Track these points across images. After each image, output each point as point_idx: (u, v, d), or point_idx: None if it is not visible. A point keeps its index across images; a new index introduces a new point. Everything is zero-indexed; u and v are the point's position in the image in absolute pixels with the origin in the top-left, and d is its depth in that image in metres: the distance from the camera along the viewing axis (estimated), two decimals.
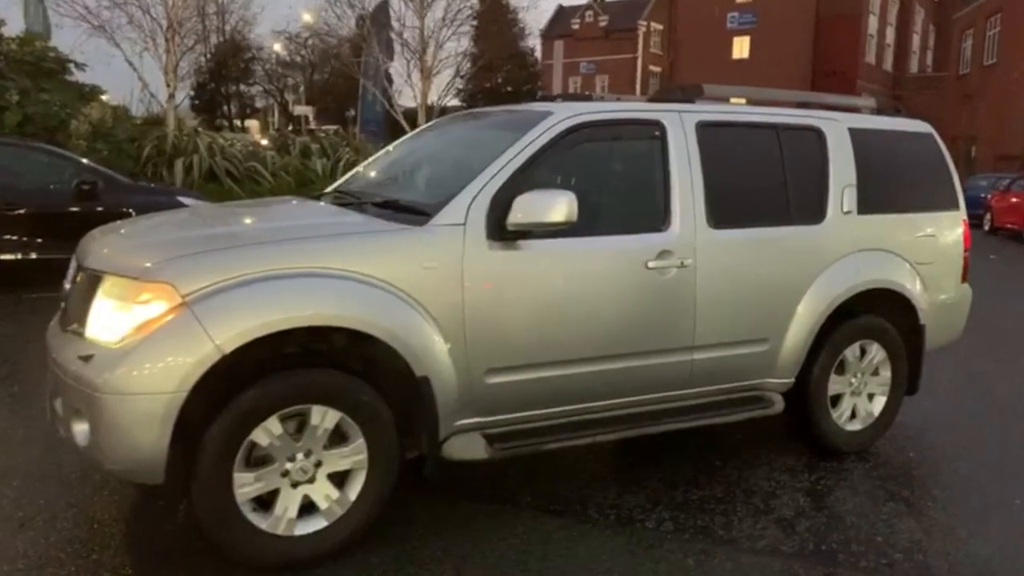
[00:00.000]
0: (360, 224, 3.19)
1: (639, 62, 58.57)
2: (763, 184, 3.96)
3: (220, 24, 35.35)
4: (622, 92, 42.25)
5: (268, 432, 2.85)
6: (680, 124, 3.72)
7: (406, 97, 18.29)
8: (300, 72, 40.81)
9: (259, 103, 43.60)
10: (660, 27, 59.65)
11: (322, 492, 2.99)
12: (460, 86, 20.92)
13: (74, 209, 7.95)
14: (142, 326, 2.70)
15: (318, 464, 2.97)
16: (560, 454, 3.83)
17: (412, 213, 3.26)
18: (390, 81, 18.58)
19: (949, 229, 4.55)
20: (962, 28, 37.77)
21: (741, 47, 44.41)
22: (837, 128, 4.20)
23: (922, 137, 4.59)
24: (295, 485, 2.94)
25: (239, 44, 38.07)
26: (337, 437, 2.99)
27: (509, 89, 31.32)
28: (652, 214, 3.62)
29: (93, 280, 2.90)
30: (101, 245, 3.18)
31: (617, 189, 3.64)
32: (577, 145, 3.48)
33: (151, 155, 11.48)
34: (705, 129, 3.78)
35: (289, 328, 2.80)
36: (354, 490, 3.03)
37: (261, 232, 3.16)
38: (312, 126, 36.85)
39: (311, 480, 2.97)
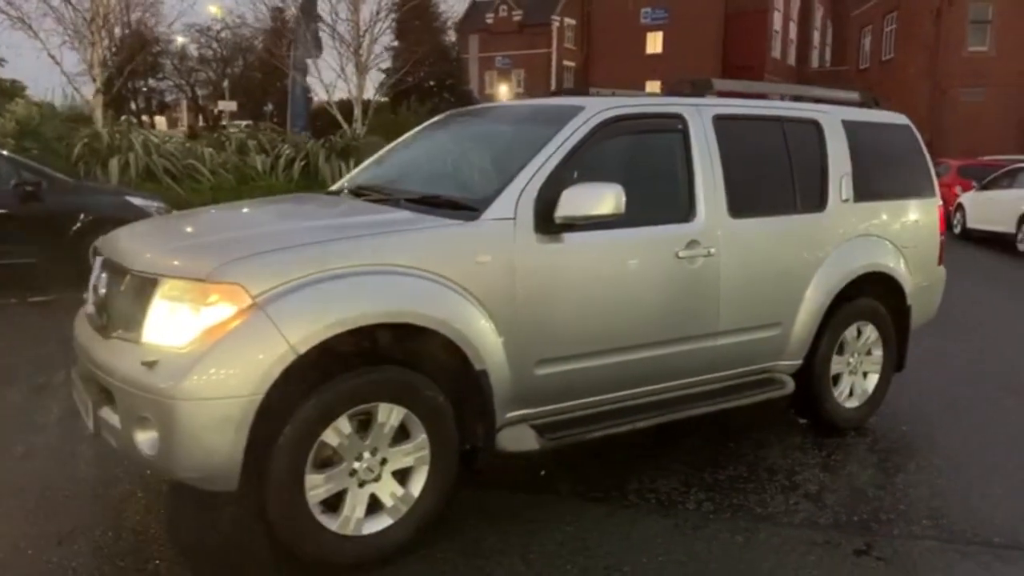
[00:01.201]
0: (413, 220, 3.17)
1: (553, 57, 59.14)
2: (773, 174, 4.13)
3: (126, 17, 33.81)
4: (535, 87, 42.49)
5: (338, 432, 2.82)
6: (699, 117, 3.84)
7: (337, 92, 17.92)
8: (213, 66, 39.44)
9: (168, 98, 42.01)
10: (573, 22, 60.34)
11: (388, 490, 2.97)
12: (382, 80, 20.59)
13: (17, 211, 7.52)
14: (213, 329, 2.62)
15: (383, 462, 2.96)
16: (584, 442, 3.90)
17: (456, 208, 3.27)
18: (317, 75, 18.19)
19: (928, 215, 4.85)
20: (861, 25, 39.68)
21: (655, 42, 45.39)
22: (832, 120, 4.42)
23: (901, 128, 4.86)
24: (362, 484, 2.92)
25: (146, 37, 36.53)
26: (400, 434, 2.98)
27: (431, 84, 31.00)
28: (679, 205, 3.73)
29: (145, 284, 2.80)
30: (143, 247, 3.06)
31: (647, 181, 3.72)
32: (610, 139, 3.55)
33: (82, 153, 10.94)
34: (720, 122, 3.91)
35: (359, 326, 2.78)
36: (417, 486, 3.02)
37: (315, 230, 3.10)
38: (224, 122, 35.71)
39: (377, 479, 2.95)
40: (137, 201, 8.60)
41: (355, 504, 2.91)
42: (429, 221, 3.16)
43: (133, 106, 37.18)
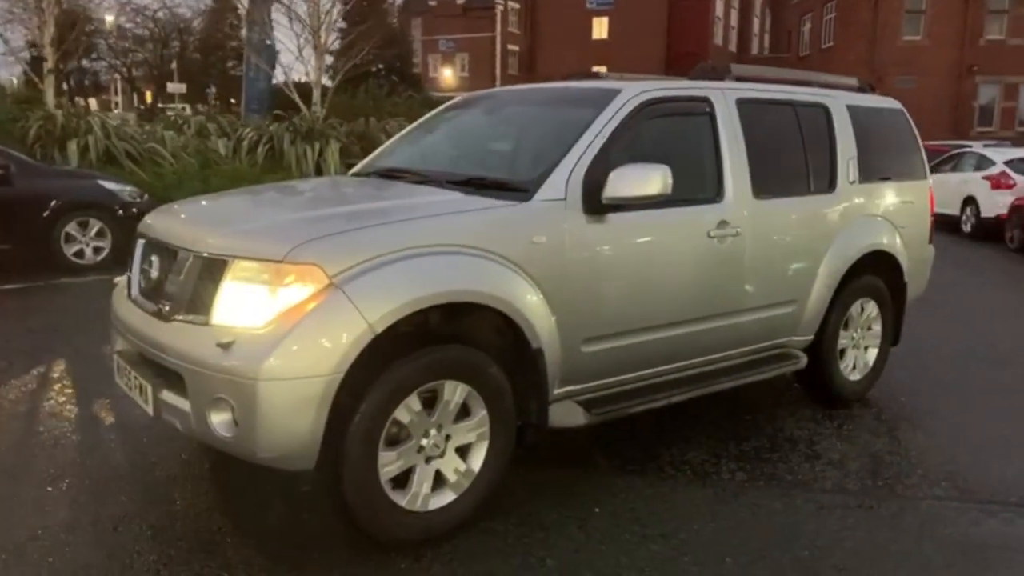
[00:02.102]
0: (468, 201, 3.21)
1: (498, 40, 58.95)
2: (789, 157, 4.28)
3: None
4: (480, 71, 42.14)
5: (409, 409, 2.85)
6: (724, 100, 3.96)
7: (291, 74, 17.57)
8: (150, 47, 38.13)
9: (103, 78, 40.50)
10: (517, 6, 60.22)
11: (451, 466, 3.03)
12: (331, 63, 20.26)
13: None
14: (291, 310, 2.63)
15: (447, 438, 3.00)
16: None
17: (504, 190, 3.31)
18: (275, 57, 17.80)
19: (921, 196, 5.08)
20: (801, 12, 40.62)
21: (600, 27, 45.68)
22: (839, 105, 4.59)
23: (896, 112, 5.08)
24: (428, 460, 2.97)
25: (77, 14, 35.09)
26: (461, 411, 3.03)
27: (380, 67, 30.64)
28: (709, 186, 3.84)
29: (213, 266, 2.78)
30: (206, 229, 3.02)
31: (680, 162, 3.80)
32: (646, 121, 3.63)
33: (39, 135, 10.53)
34: (742, 105, 4.03)
35: (431, 305, 2.81)
36: (477, 462, 3.08)
37: (379, 211, 3.11)
38: (161, 104, 34.65)
39: (442, 455, 3.00)
40: (109, 185, 8.37)
41: (423, 480, 2.95)
42: (485, 202, 3.20)
43: (65, 87, 35.75)
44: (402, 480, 2.92)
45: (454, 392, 2.96)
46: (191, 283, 2.84)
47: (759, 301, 4.07)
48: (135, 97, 41.14)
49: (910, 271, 4.95)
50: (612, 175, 3.29)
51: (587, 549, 2.99)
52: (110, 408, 4.28)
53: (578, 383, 3.45)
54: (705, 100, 3.90)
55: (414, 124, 4.56)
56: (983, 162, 14.44)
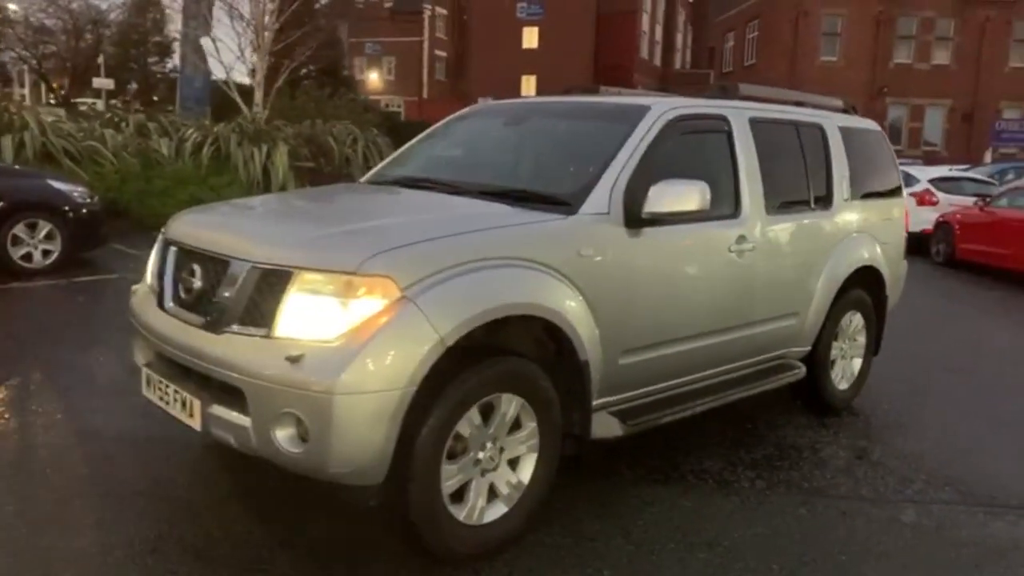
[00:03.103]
0: (518, 214, 3.21)
1: (425, 46, 58.82)
2: (793, 175, 4.43)
3: None
4: (408, 76, 41.85)
5: (470, 422, 2.84)
6: (740, 119, 4.08)
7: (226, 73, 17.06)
8: (63, 39, 36.32)
9: (12, 70, 38.27)
10: (444, 12, 60.25)
11: (504, 478, 3.02)
12: (252, 64, 19.71)
13: None
14: (365, 322, 2.58)
15: (501, 451, 3.00)
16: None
17: (545, 202, 3.33)
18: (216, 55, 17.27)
19: (899, 213, 5.35)
20: (724, 30, 42.01)
21: (531, 37, 45.98)
22: (832, 125, 4.79)
23: (876, 133, 5.33)
24: (483, 473, 2.96)
25: None
26: (513, 423, 3.03)
27: (311, 68, 30.08)
28: (728, 202, 3.95)
29: (273, 276, 2.70)
30: (261, 239, 2.92)
31: (704, 178, 3.91)
32: (674, 137, 3.71)
33: None
34: (754, 124, 4.16)
35: (498, 318, 2.81)
36: (527, 474, 3.09)
37: (434, 223, 3.07)
38: (77, 99, 33.14)
39: (495, 467, 2.99)
40: (59, 185, 7.97)
41: (479, 493, 2.94)
42: (535, 215, 3.21)
43: None
44: (458, 494, 2.90)
45: (509, 404, 2.96)
46: (247, 294, 2.75)
47: (769, 313, 4.21)
48: (44, 90, 39.14)
49: (890, 285, 5.20)
50: (652, 190, 3.35)
51: (639, 559, 3.03)
52: (104, 420, 4.10)
53: (612, 395, 3.49)
54: (723, 118, 4.02)
55: (425, 133, 4.52)
56: (908, 180, 15.18)
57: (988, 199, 12.55)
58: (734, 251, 3.89)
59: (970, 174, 16.87)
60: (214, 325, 2.81)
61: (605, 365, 3.33)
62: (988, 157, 26.90)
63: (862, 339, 5.08)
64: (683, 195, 3.35)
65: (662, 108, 3.71)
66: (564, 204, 3.30)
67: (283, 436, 2.60)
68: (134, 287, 3.53)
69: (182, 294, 3.01)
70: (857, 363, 5.08)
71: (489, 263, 2.87)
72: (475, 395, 2.82)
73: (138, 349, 3.34)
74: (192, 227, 3.22)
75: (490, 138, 4.27)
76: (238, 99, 15.02)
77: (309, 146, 13.27)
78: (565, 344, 3.15)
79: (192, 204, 11.16)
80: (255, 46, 15.30)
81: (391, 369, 2.57)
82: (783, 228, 4.25)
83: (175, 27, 21.35)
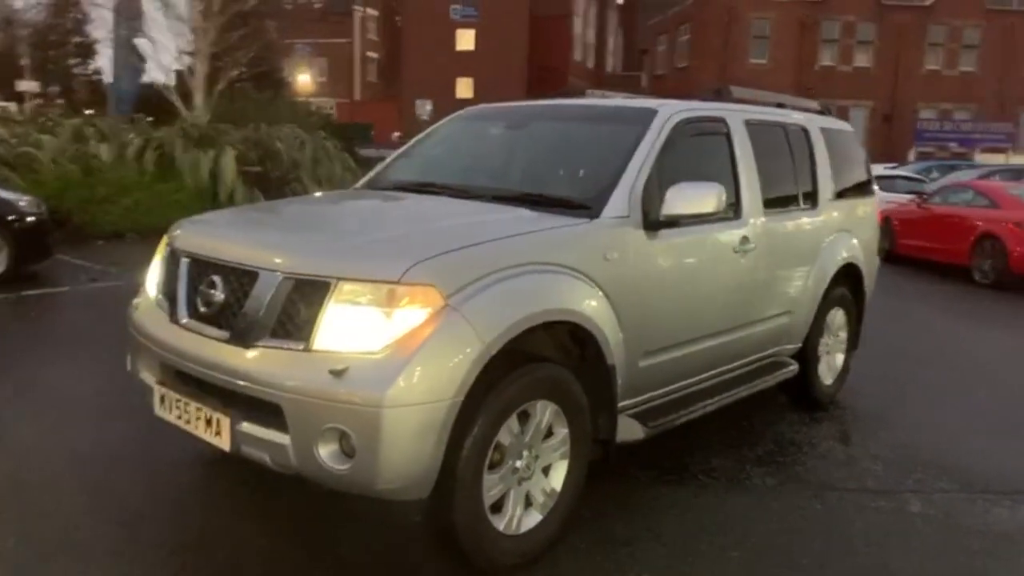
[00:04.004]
0: (544, 218, 3.17)
1: (357, 47, 58.19)
2: (784, 175, 4.52)
3: None
4: (339, 77, 41.35)
5: (509, 431, 2.80)
6: (736, 121, 4.14)
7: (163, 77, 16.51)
8: None
9: None
10: (376, 13, 59.70)
11: (539, 486, 2.99)
12: (189, 67, 19.22)
13: None
14: (411, 332, 2.51)
15: (536, 458, 2.97)
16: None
17: (565, 206, 3.32)
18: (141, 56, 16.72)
19: (872, 211, 5.52)
20: (656, 33, 42.73)
21: (466, 39, 45.90)
22: (815, 127, 4.91)
23: (849, 134, 5.49)
24: (520, 482, 2.92)
25: None
26: (546, 431, 3.00)
27: (244, 70, 29.39)
28: (730, 203, 4.00)
29: (308, 287, 2.61)
30: (292, 248, 2.82)
31: (708, 180, 3.95)
32: (683, 139, 3.74)
33: None
34: (749, 126, 4.23)
35: (535, 324, 2.78)
36: (559, 481, 3.06)
37: (466, 228, 3.01)
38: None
39: (531, 476, 2.96)
40: (4, 194, 7.57)
41: (516, 502, 2.90)
42: (560, 219, 3.19)
43: None
44: (496, 504, 2.85)
45: (544, 411, 2.93)
46: (278, 306, 2.65)
47: (767, 312, 4.29)
48: None
49: (867, 281, 5.36)
50: (669, 193, 3.37)
51: (676, 562, 3.04)
52: (91, 442, 3.90)
53: (631, 397, 3.49)
54: (722, 120, 4.07)
55: (419, 136, 4.45)
56: None
57: (925, 196, 13.06)
58: (738, 252, 3.94)
59: (901, 172, 17.57)
60: (242, 339, 2.70)
61: (627, 368, 3.33)
62: (912, 156, 28.08)
63: (844, 334, 5.22)
64: (700, 197, 3.37)
65: (669, 110, 3.74)
66: (584, 208, 3.28)
67: (327, 453, 2.51)
68: (135, 301, 3.36)
69: (201, 308, 2.88)
70: (839, 358, 5.22)
71: (526, 269, 2.84)
72: (515, 403, 2.78)
73: (144, 367, 3.17)
74: (207, 238, 3.09)
75: (493, 142, 4.23)
76: (178, 102, 14.56)
77: (256, 150, 12.93)
78: (590, 348, 3.14)
79: (138, 211, 10.94)
80: (195, 48, 14.84)
81: (439, 380, 2.51)
82: (778, 228, 4.32)
83: (97, 28, 20.49)
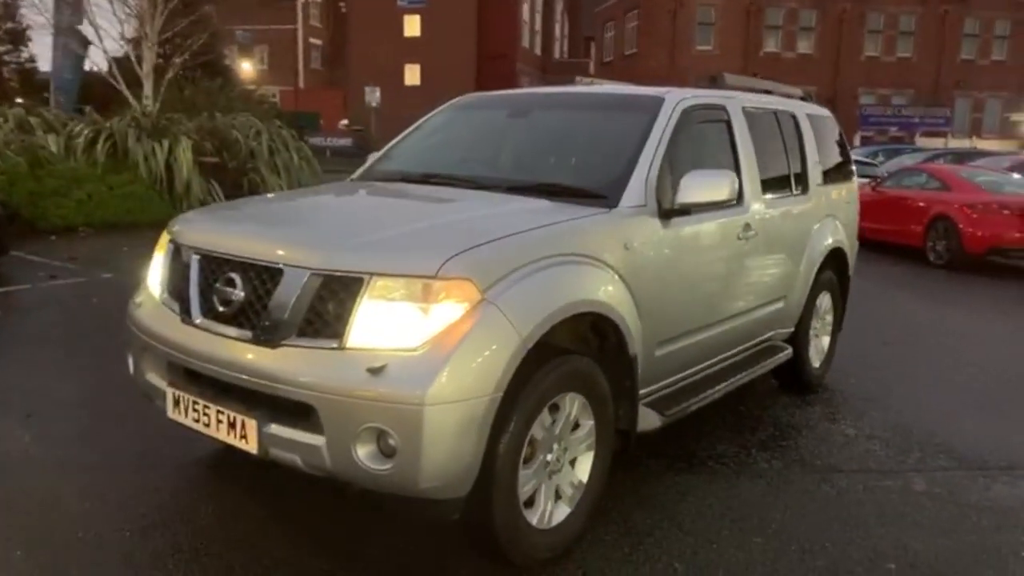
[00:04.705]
0: (564, 209, 3.13)
1: (300, 33, 57.06)
2: (778, 161, 4.56)
3: None
4: (281, 64, 40.54)
5: (542, 425, 2.76)
6: (735, 108, 4.15)
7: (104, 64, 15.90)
8: None
9: None
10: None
11: (567, 479, 2.97)
12: (123, 52, 18.57)
13: None
14: (449, 327, 2.45)
15: (565, 451, 2.94)
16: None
17: (579, 196, 3.28)
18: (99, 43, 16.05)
19: (854, 196, 5.61)
20: (604, 20, 42.89)
21: (413, 25, 45.34)
22: (802, 113, 4.96)
23: (831, 120, 5.56)
24: (550, 476, 2.89)
25: None
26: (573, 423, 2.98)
27: (185, 57, 28.65)
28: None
29: (338, 283, 2.53)
30: (319, 242, 2.71)
31: (711, 167, 3.95)
32: (689, 127, 3.73)
33: None
34: (747, 114, 4.25)
35: (568, 316, 2.74)
36: (585, 473, 3.04)
37: (493, 219, 2.94)
38: None
39: (560, 469, 2.93)
40: None
41: (547, 496, 2.87)
42: (581, 210, 3.15)
43: None
44: (529, 499, 2.81)
45: (573, 404, 2.90)
46: (306, 303, 2.56)
47: (765, 297, 4.33)
48: None
49: (851, 264, 5.46)
50: (683, 181, 3.36)
51: (702, 551, 3.04)
52: (87, 447, 3.74)
53: (646, 386, 3.48)
54: (722, 108, 4.08)
55: (415, 125, 4.34)
56: None
57: (879, 180, 13.37)
58: (741, 239, 3.96)
59: (854, 157, 17.93)
60: (267, 338, 2.60)
61: (645, 358, 3.31)
62: (858, 140, 28.77)
63: (830, 318, 5.31)
64: (713, 185, 3.37)
65: (676, 97, 3.73)
66: (600, 197, 3.25)
67: (365, 453, 2.44)
68: (136, 300, 3.21)
69: (218, 306, 2.76)
70: (826, 340, 5.31)
71: (554, 260, 2.79)
72: (547, 396, 2.75)
73: (150, 368, 3.04)
74: (219, 234, 2.96)
75: (496, 131, 4.15)
76: (125, 91, 14.06)
77: (212, 140, 12.57)
78: (610, 339, 3.12)
79: (91, 204, 10.56)
80: (142, 35, 14.33)
81: (479, 376, 2.46)
82: (775, 214, 4.36)
83: (33, 15, 19.55)
